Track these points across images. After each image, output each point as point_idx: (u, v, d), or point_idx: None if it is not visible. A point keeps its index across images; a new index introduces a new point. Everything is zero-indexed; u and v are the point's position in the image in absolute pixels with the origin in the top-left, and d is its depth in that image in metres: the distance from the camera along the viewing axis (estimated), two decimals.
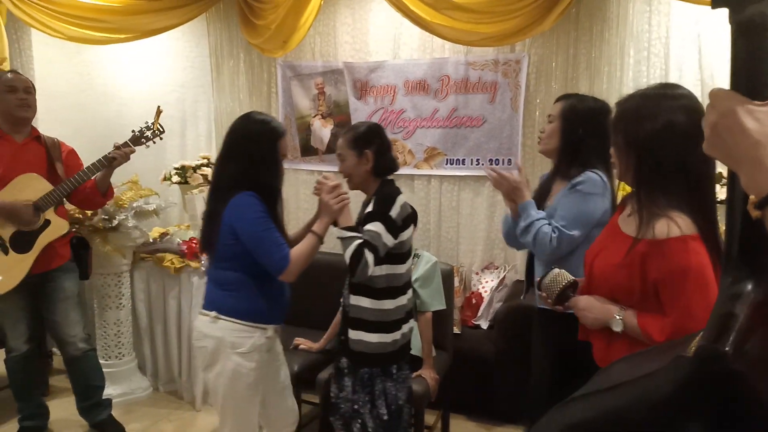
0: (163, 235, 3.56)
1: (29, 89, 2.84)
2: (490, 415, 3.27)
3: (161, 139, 2.95)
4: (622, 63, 3.29)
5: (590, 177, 2.05)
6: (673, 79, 3.20)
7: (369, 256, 2.06)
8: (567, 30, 3.40)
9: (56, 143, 2.93)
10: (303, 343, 3.02)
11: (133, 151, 2.85)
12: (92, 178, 2.82)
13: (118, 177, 3.44)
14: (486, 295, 3.42)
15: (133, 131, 2.89)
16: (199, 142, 4.34)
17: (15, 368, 2.93)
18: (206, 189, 3.84)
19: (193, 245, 3.39)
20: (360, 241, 2.07)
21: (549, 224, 2.06)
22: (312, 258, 2.12)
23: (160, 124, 2.93)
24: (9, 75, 2.85)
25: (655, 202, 1.46)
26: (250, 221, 2.02)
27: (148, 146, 2.92)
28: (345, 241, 2.09)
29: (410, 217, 2.23)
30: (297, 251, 2.08)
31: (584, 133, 2.10)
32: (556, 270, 1.73)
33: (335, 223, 2.17)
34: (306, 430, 3.03)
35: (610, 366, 1.00)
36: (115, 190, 3.28)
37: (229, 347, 2.07)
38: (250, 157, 2.08)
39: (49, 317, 2.93)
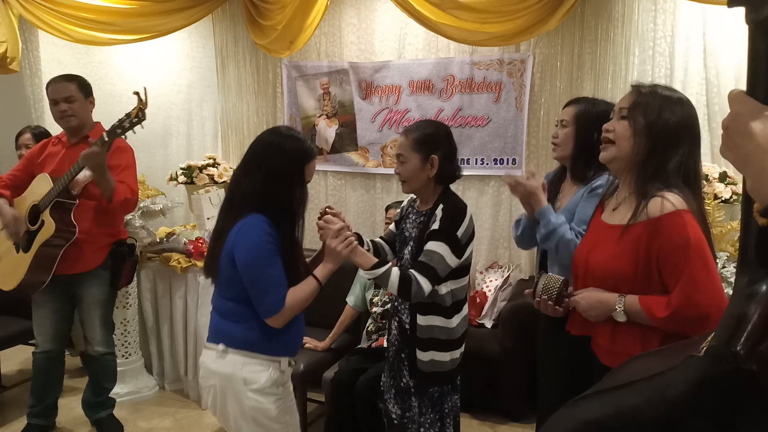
0: (169, 234, 3.58)
1: (71, 98, 2.83)
2: (495, 413, 3.28)
3: (142, 127, 2.70)
4: (627, 62, 3.28)
5: (608, 180, 2.03)
6: (678, 78, 3.20)
7: (422, 280, 1.92)
8: (572, 29, 3.40)
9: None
10: (308, 341, 3.03)
11: (96, 152, 2.58)
12: (72, 181, 2.71)
13: None
14: (490, 294, 3.43)
15: (114, 125, 2.71)
16: (205, 143, 4.36)
17: (38, 365, 2.98)
18: (212, 189, 3.87)
19: (200, 245, 3.40)
20: (397, 269, 1.93)
21: (571, 229, 2.03)
22: (307, 303, 1.88)
23: (141, 110, 2.66)
24: (50, 87, 2.87)
25: (650, 187, 1.51)
26: (251, 249, 1.78)
27: (125, 137, 2.74)
28: (382, 278, 1.93)
29: (473, 230, 2.11)
30: (293, 297, 1.82)
31: (599, 136, 2.09)
32: (546, 275, 1.76)
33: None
34: (311, 429, 3.04)
35: (623, 366, 1.00)
36: None
37: (242, 384, 1.82)
38: (273, 172, 1.83)
39: (79, 315, 3.02)
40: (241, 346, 1.84)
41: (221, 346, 1.85)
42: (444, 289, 2.03)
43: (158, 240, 3.51)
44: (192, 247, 3.42)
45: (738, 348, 0.74)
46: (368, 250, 2.17)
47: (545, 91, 3.52)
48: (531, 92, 3.54)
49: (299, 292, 1.84)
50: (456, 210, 2.03)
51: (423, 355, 2.07)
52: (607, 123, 1.64)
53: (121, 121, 2.66)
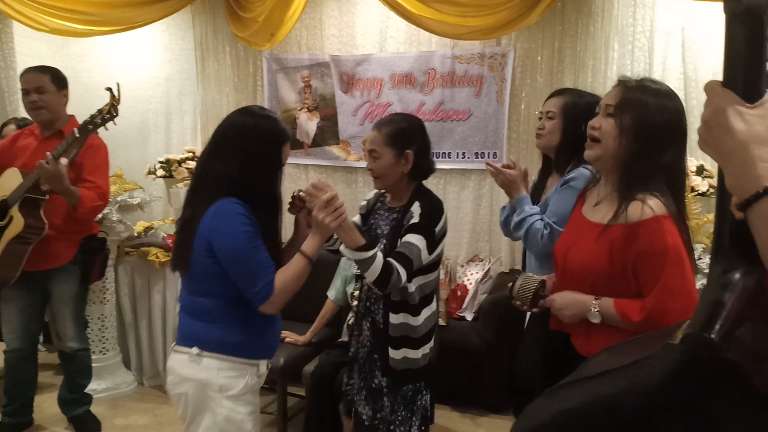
0: (147, 229, 3.53)
1: (42, 89, 2.74)
2: (475, 405, 3.29)
3: (114, 124, 2.64)
4: (607, 57, 3.31)
5: (582, 173, 2.03)
6: (656, 73, 3.23)
7: (401, 270, 1.86)
8: (553, 24, 3.42)
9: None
10: (289, 336, 3.02)
11: (47, 170, 2.47)
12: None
13: None
14: (471, 287, 3.44)
15: (86, 121, 2.64)
16: (184, 136, 4.31)
17: (9, 364, 2.93)
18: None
19: None
20: (381, 257, 1.85)
21: (541, 220, 2.05)
22: (301, 284, 1.72)
23: (113, 106, 2.60)
24: (23, 76, 2.79)
25: (633, 189, 1.49)
26: (232, 235, 1.64)
27: (97, 133, 2.69)
28: (364, 262, 1.83)
29: (446, 228, 2.07)
30: (283, 278, 1.68)
31: (585, 129, 2.10)
32: (523, 275, 1.75)
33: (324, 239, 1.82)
34: (292, 424, 3.03)
35: (596, 355, 1.01)
36: None
37: (217, 391, 1.67)
38: (247, 154, 1.69)
39: (50, 312, 2.98)
40: (216, 349, 1.68)
41: (195, 350, 1.68)
42: (412, 286, 1.99)
43: (136, 234, 3.46)
44: (171, 241, 3.37)
45: (713, 335, 0.74)
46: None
47: (526, 85, 3.53)
48: (512, 86, 3.55)
49: (288, 272, 1.69)
50: (434, 208, 2.00)
51: (395, 353, 2.03)
52: (593, 119, 1.60)
53: (92, 117, 2.59)
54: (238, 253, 1.64)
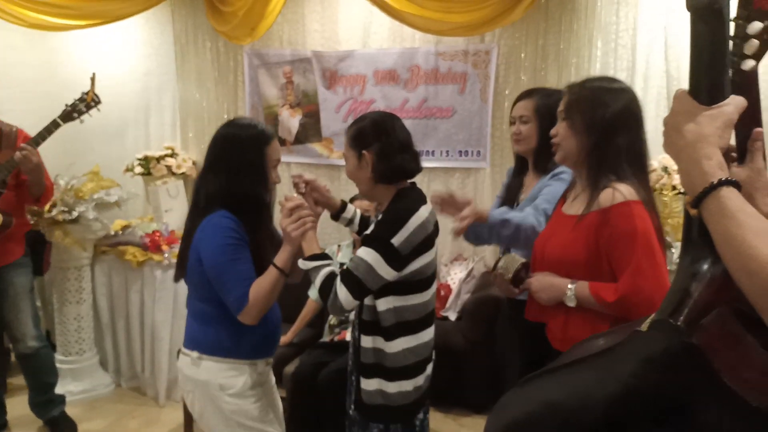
0: (125, 227, 3.47)
1: None
2: (459, 405, 3.27)
3: (98, 110, 2.70)
4: (590, 54, 3.30)
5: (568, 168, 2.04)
6: (639, 71, 3.23)
7: (340, 289, 1.64)
8: (536, 21, 3.40)
9: (13, 132, 2.78)
10: None
11: (32, 153, 2.53)
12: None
13: (80, 167, 3.34)
14: (454, 287, 3.42)
15: (66, 105, 2.68)
16: (163, 132, 4.22)
17: None
18: (170, 180, 3.76)
19: (156, 238, 3.30)
20: (329, 269, 1.70)
21: (535, 208, 2.01)
22: (276, 295, 1.74)
23: (95, 94, 2.66)
24: None
25: (602, 179, 1.56)
26: (214, 247, 1.71)
27: (82, 121, 2.70)
28: (311, 272, 1.71)
29: (430, 239, 1.77)
30: (256, 290, 1.70)
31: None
32: (508, 254, 1.79)
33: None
34: None
35: (573, 348, 1.04)
36: (75, 181, 3.19)
37: (219, 390, 1.77)
38: (232, 165, 1.76)
39: (1, 314, 2.86)
40: (214, 352, 1.78)
41: (195, 354, 1.79)
42: (383, 305, 1.73)
43: (113, 233, 3.39)
44: (149, 240, 3.31)
45: (680, 322, 0.78)
46: (352, 219, 2.06)
47: (509, 82, 3.51)
48: (495, 84, 3.54)
49: (261, 284, 1.72)
50: (395, 216, 1.72)
51: (367, 384, 1.77)
52: (553, 128, 1.69)
53: (74, 105, 2.62)
54: (215, 265, 1.72)
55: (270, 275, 1.72)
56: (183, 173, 3.95)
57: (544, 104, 2.11)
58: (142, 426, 3.14)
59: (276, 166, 1.84)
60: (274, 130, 4.01)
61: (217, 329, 1.78)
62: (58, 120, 2.62)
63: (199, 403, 1.82)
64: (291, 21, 3.88)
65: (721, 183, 0.76)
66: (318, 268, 1.70)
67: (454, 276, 3.51)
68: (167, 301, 3.30)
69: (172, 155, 3.88)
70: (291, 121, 3.98)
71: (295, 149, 3.99)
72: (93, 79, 2.66)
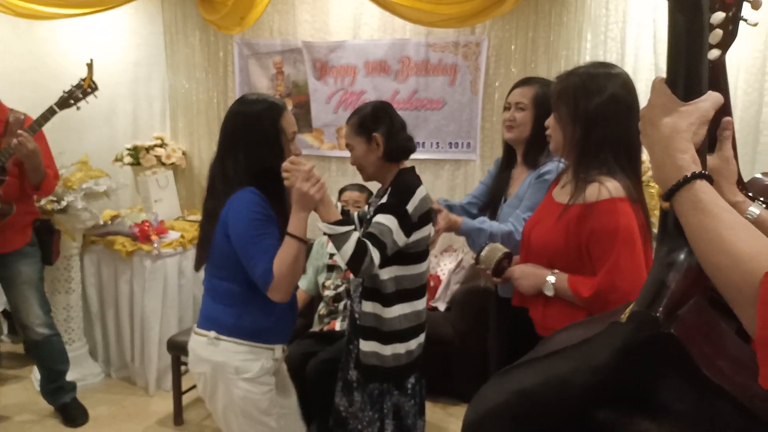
0: (114, 217, 3.45)
1: None
2: (448, 394, 3.30)
3: (95, 97, 2.72)
4: (580, 47, 3.31)
5: (557, 167, 2.01)
6: (628, 64, 3.24)
7: (374, 253, 1.76)
8: (526, 13, 3.41)
9: (20, 120, 2.77)
10: None
11: (27, 139, 2.53)
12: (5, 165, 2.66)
13: (69, 157, 3.32)
14: (444, 278, 3.44)
15: (63, 92, 2.70)
16: (152, 122, 4.20)
17: None
18: (160, 170, 3.74)
19: (146, 228, 3.30)
20: (357, 234, 1.76)
21: (517, 216, 2.03)
22: (300, 265, 1.71)
23: (93, 81, 2.67)
24: None
25: (591, 170, 1.55)
26: (244, 222, 1.69)
27: (79, 107, 2.72)
28: (339, 238, 1.74)
29: (428, 214, 1.96)
30: (278, 264, 1.66)
31: None
32: (491, 244, 1.80)
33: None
34: None
35: (552, 336, 1.03)
36: (64, 171, 3.17)
37: (234, 373, 1.76)
38: (248, 143, 1.74)
39: (11, 301, 2.90)
40: (233, 333, 1.76)
41: (213, 333, 1.77)
42: (386, 274, 1.91)
43: (102, 223, 3.38)
44: (138, 230, 3.30)
45: (658, 313, 0.78)
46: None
47: (500, 74, 3.52)
48: (486, 76, 3.54)
49: (282, 257, 1.67)
50: (405, 187, 1.91)
51: (365, 345, 1.97)
52: (547, 119, 1.68)
53: (71, 92, 2.62)
54: (243, 240, 1.69)
55: (289, 246, 1.68)
56: (173, 163, 3.93)
57: (543, 94, 2.06)
58: (131, 416, 3.15)
59: (293, 139, 1.83)
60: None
61: (240, 311, 1.77)
62: (55, 107, 2.63)
63: (210, 384, 1.80)
64: (281, 11, 3.87)
65: (695, 176, 0.77)
66: (348, 234, 1.73)
67: (443, 267, 3.53)
68: (157, 291, 3.30)
69: (162, 145, 3.87)
70: None
71: None
72: (90, 66, 2.66)
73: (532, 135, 2.10)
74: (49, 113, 2.62)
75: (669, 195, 0.79)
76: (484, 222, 2.07)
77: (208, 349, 1.77)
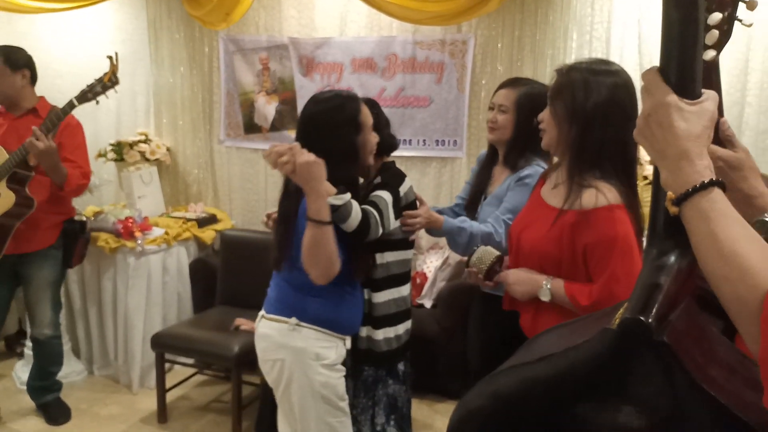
0: (97, 214, 3.42)
1: None
2: (433, 391, 3.31)
3: (116, 92, 2.67)
4: (565, 46, 3.33)
5: (537, 171, 2.02)
6: None
7: (377, 215, 1.83)
8: (513, 11, 3.42)
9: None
10: (244, 323, 2.96)
11: (38, 137, 2.50)
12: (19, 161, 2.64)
13: None
14: (430, 275, 3.44)
15: (86, 86, 2.64)
16: (136, 118, 4.15)
17: None
18: (144, 166, 3.70)
19: (129, 224, 3.26)
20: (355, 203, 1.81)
21: (497, 218, 2.03)
22: (322, 249, 1.72)
23: (114, 75, 2.61)
24: None
25: (585, 174, 1.49)
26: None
27: (98, 102, 2.67)
28: (345, 207, 1.74)
29: (414, 205, 2.06)
30: (303, 250, 1.75)
31: (538, 123, 2.08)
32: (483, 247, 1.78)
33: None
34: (246, 412, 2.99)
35: (537, 337, 1.01)
36: None
37: (314, 359, 1.82)
38: (335, 145, 1.79)
39: (25, 297, 2.92)
40: (314, 321, 1.84)
41: (294, 320, 1.83)
42: (380, 259, 2.00)
43: (85, 219, 3.34)
44: (122, 227, 3.27)
45: (651, 319, 0.75)
46: None
47: (486, 73, 3.53)
48: (472, 74, 3.55)
49: (303, 243, 1.74)
50: (393, 175, 2.03)
51: (360, 330, 2.04)
52: (542, 113, 1.62)
53: (91, 86, 2.59)
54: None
55: (307, 231, 1.72)
56: (156, 159, 3.90)
57: (526, 97, 2.07)
58: (115, 414, 3.12)
59: (371, 131, 1.91)
60: (250, 117, 3.98)
61: (322, 300, 1.85)
62: (74, 101, 2.58)
63: (287, 372, 1.84)
64: (267, 7, 3.84)
65: (712, 183, 0.74)
66: (351, 202, 1.77)
67: (429, 264, 3.53)
68: (140, 288, 3.27)
69: (146, 141, 3.83)
70: (267, 108, 3.95)
71: (271, 136, 3.96)
72: (113, 60, 2.61)
73: (512, 138, 2.11)
74: (68, 107, 2.58)
75: (680, 201, 0.76)
76: (464, 221, 2.07)
77: (289, 336, 1.83)
